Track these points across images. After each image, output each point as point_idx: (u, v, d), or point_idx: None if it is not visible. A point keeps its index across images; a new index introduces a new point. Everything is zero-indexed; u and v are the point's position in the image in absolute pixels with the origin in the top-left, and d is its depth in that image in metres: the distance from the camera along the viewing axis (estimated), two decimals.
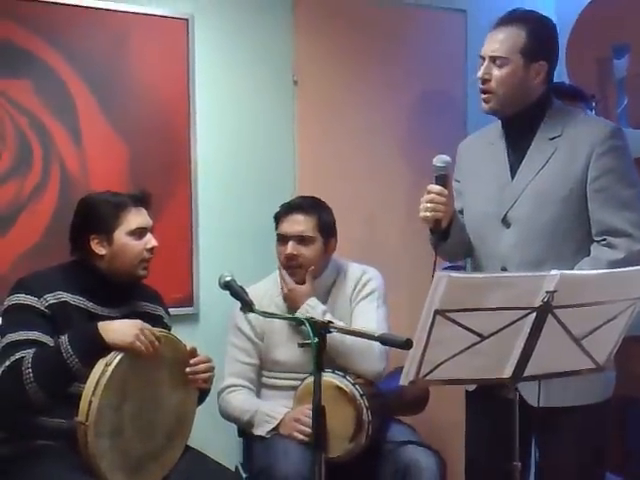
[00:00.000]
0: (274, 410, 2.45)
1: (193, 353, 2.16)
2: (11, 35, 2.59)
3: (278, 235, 2.59)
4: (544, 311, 1.67)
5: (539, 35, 2.15)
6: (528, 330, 1.70)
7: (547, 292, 1.65)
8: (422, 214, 2.15)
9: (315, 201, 2.63)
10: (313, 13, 3.12)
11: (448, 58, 3.30)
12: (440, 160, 2.14)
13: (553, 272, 1.65)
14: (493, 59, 2.15)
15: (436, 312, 1.62)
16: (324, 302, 2.55)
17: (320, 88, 3.14)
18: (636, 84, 3.60)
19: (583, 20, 3.51)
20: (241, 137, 3.01)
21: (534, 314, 1.68)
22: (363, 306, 2.57)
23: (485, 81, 2.16)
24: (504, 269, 2.17)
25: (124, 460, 2.00)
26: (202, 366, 2.17)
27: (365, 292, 2.59)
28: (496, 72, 2.14)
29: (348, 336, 2.38)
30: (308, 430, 2.20)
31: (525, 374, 1.76)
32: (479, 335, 1.67)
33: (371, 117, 3.23)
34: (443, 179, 2.14)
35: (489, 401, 2.09)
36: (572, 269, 2.07)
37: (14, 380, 1.98)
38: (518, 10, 2.21)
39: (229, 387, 2.54)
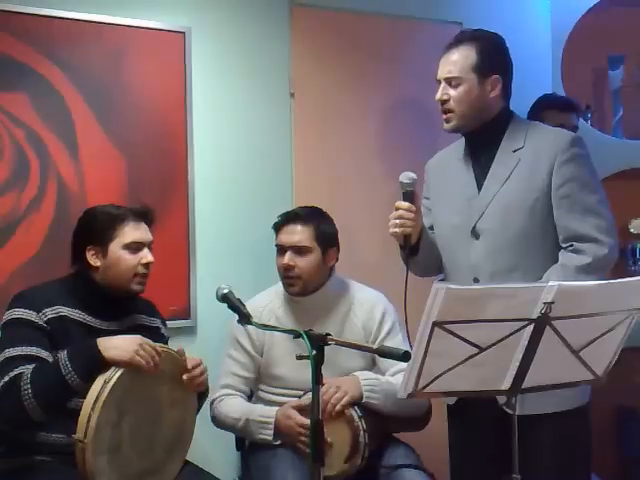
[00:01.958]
0: (263, 414, 2.42)
1: (181, 353, 2.13)
2: (8, 48, 2.60)
3: (276, 246, 2.59)
4: (542, 322, 1.67)
5: (489, 50, 2.22)
6: (526, 342, 1.70)
7: (545, 303, 1.65)
8: (391, 230, 2.22)
9: (314, 210, 2.61)
10: (310, 26, 3.13)
11: None
12: (406, 177, 2.21)
13: (551, 283, 1.66)
14: (448, 81, 2.22)
15: (434, 324, 1.62)
16: (326, 317, 2.54)
17: (317, 101, 3.15)
18: (631, 95, 3.62)
19: (578, 31, 3.53)
20: (238, 149, 3.01)
21: (532, 325, 1.68)
22: (391, 344, 2.48)
23: (444, 102, 2.23)
24: (476, 280, 2.21)
25: (122, 476, 1.98)
26: (198, 370, 2.15)
27: (385, 330, 2.56)
28: (453, 92, 2.21)
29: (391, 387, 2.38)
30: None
31: (524, 386, 1.76)
32: (477, 347, 1.67)
33: (367, 129, 3.24)
34: (410, 195, 2.22)
35: (472, 414, 2.10)
36: (542, 276, 2.13)
37: (12, 396, 1.97)
38: (466, 31, 2.30)
39: (219, 397, 2.52)
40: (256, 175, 3.03)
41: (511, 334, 1.68)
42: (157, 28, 2.84)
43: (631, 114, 3.61)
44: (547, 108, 3.11)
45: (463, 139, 2.34)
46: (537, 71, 3.46)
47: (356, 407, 2.34)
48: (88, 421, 1.90)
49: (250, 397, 2.60)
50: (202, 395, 2.29)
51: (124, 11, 2.79)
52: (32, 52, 2.63)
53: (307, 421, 2.23)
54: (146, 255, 2.22)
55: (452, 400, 2.26)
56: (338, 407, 2.30)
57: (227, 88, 3.00)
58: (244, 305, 2.13)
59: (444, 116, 2.25)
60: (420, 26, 3.34)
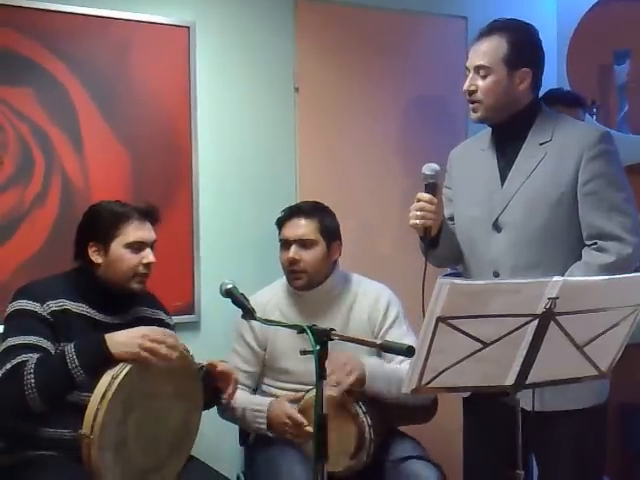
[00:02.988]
0: (259, 403, 2.44)
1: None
2: (13, 43, 2.60)
3: (280, 240, 2.59)
4: (546, 318, 1.67)
5: (520, 43, 2.17)
6: (530, 337, 1.69)
7: (549, 299, 1.64)
8: (412, 222, 2.19)
9: (316, 205, 2.62)
10: (314, 21, 3.12)
11: (449, 65, 3.29)
12: (429, 168, 2.18)
13: (555, 278, 1.65)
14: (477, 70, 2.18)
15: (438, 319, 1.61)
16: (331, 310, 2.54)
17: (321, 95, 3.14)
18: (637, 90, 3.60)
19: (584, 26, 3.52)
20: (242, 144, 3.01)
21: (536, 321, 1.67)
22: (395, 335, 2.50)
23: (471, 92, 2.20)
24: (496, 273, 2.19)
25: (127, 472, 1.98)
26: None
27: (390, 320, 2.56)
28: (481, 82, 2.18)
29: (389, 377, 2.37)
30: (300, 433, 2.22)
31: (528, 381, 1.75)
32: (481, 342, 1.67)
33: (372, 124, 3.23)
34: (432, 187, 2.19)
35: (487, 407, 2.09)
36: (564, 273, 2.09)
37: (14, 384, 1.97)
38: (499, 20, 2.24)
39: None
40: (260, 170, 3.03)
41: (515, 330, 1.67)
42: (161, 23, 2.83)
43: (637, 109, 3.59)
44: (553, 103, 3.09)
45: (488, 129, 2.30)
46: None
47: (360, 403, 2.34)
48: (95, 417, 1.89)
49: (255, 391, 2.60)
50: (216, 399, 2.30)
51: (128, 5, 2.79)
52: (37, 47, 2.63)
53: (295, 413, 2.28)
54: (147, 255, 2.21)
55: (466, 393, 2.25)
56: (344, 386, 2.29)
57: (231, 83, 2.99)
58: (248, 300, 2.14)
59: (471, 106, 2.21)
60: (425, 21, 3.33)
